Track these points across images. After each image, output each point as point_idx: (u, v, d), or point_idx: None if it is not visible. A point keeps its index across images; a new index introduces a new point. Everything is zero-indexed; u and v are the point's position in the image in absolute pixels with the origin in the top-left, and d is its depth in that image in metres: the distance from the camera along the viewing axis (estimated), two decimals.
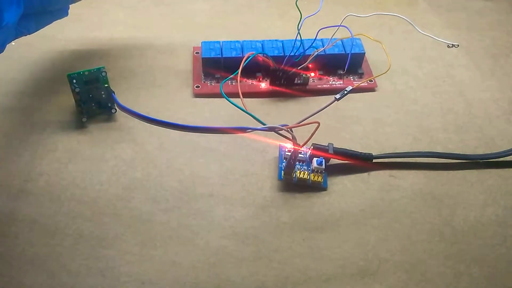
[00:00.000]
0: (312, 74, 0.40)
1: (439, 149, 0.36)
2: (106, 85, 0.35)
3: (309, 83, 0.40)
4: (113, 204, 0.31)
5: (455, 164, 0.35)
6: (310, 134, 0.30)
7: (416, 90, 0.40)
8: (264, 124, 0.29)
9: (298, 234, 0.30)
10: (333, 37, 0.37)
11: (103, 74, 0.34)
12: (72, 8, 0.47)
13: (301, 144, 0.31)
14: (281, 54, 0.39)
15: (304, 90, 0.40)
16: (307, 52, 0.37)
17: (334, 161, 0.34)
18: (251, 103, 0.38)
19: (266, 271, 0.29)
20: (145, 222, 0.30)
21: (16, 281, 0.27)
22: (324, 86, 0.40)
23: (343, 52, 0.40)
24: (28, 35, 0.33)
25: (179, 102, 0.38)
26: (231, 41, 0.40)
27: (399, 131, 0.37)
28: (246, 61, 0.34)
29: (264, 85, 0.39)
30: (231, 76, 0.35)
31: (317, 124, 0.29)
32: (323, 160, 0.33)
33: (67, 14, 0.36)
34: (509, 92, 0.41)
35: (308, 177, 0.32)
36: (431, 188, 0.33)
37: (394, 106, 0.39)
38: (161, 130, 0.31)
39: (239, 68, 0.33)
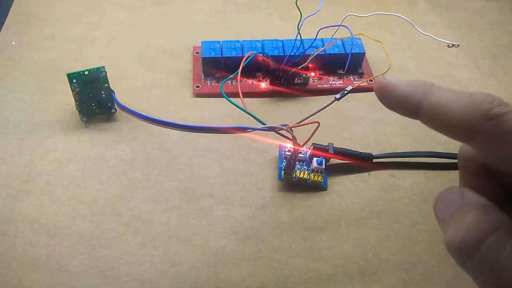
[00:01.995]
0: (312, 74, 0.40)
1: (439, 149, 0.36)
2: (106, 85, 0.35)
3: (309, 83, 0.40)
4: (113, 204, 0.31)
5: (455, 164, 0.34)
6: (310, 134, 0.30)
7: None
8: (264, 124, 0.29)
9: (298, 234, 0.30)
10: (333, 37, 0.37)
11: (103, 74, 0.34)
12: (72, 8, 0.47)
13: (301, 144, 0.31)
14: (281, 54, 0.39)
15: (304, 90, 0.40)
16: (307, 52, 0.37)
17: (334, 161, 0.34)
18: (251, 103, 0.38)
19: (266, 271, 0.29)
20: (145, 222, 0.30)
21: (16, 281, 0.27)
22: (324, 86, 0.40)
23: (343, 52, 0.40)
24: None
25: (179, 102, 0.38)
26: (231, 41, 0.40)
27: (399, 131, 0.37)
28: (246, 61, 0.34)
29: (264, 85, 0.39)
30: (231, 76, 0.35)
31: (317, 124, 0.29)
32: (323, 160, 0.33)
33: None
34: (509, 92, 0.41)
35: (308, 177, 0.32)
36: (431, 188, 0.33)
37: None
38: (161, 130, 0.32)
39: (239, 67, 0.33)
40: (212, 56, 0.39)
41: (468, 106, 0.15)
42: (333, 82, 0.40)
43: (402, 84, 0.17)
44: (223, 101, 0.32)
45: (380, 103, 0.17)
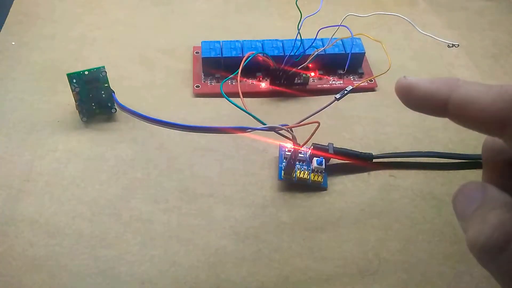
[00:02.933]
0: (312, 74, 0.40)
1: (439, 149, 0.36)
2: (106, 85, 0.35)
3: (309, 82, 0.40)
4: (113, 204, 0.31)
5: (455, 164, 0.35)
6: (310, 134, 0.30)
7: None
8: (264, 124, 0.29)
9: (298, 234, 0.30)
10: (333, 37, 0.37)
11: (103, 74, 0.34)
12: (72, 8, 0.47)
13: (301, 144, 0.31)
14: (281, 54, 0.39)
15: (304, 90, 0.40)
16: (307, 52, 0.37)
17: (334, 161, 0.34)
18: (251, 103, 0.38)
19: (266, 271, 0.29)
20: (145, 222, 0.30)
21: (16, 281, 0.27)
22: (324, 86, 0.40)
23: (343, 51, 0.40)
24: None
25: (179, 102, 0.38)
26: (231, 41, 0.40)
27: (399, 131, 0.37)
28: (246, 61, 0.34)
29: (264, 85, 0.39)
30: (231, 75, 0.35)
31: (317, 124, 0.29)
32: (323, 160, 0.33)
33: None
34: None
35: (308, 177, 0.32)
36: (431, 188, 0.33)
37: (394, 106, 0.39)
38: (161, 130, 0.31)
39: (239, 67, 0.33)
40: (212, 56, 0.39)
41: (499, 98, 0.15)
42: (333, 82, 0.40)
43: (426, 82, 0.16)
44: (223, 101, 0.32)
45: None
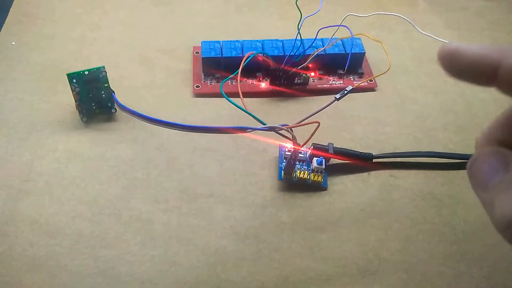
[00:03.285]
0: (312, 74, 0.40)
1: (439, 149, 0.36)
2: (106, 85, 0.35)
3: (309, 82, 0.40)
4: (113, 204, 0.31)
5: (455, 164, 0.35)
6: (310, 134, 0.30)
7: (416, 90, 0.40)
8: (264, 124, 0.29)
9: (298, 234, 0.30)
10: (333, 37, 0.37)
11: (103, 74, 0.34)
12: (72, 8, 0.47)
13: (301, 144, 0.31)
14: (281, 54, 0.39)
15: (304, 90, 0.40)
16: (307, 52, 0.37)
17: (334, 161, 0.34)
18: (251, 103, 0.38)
19: (266, 271, 0.29)
20: (145, 222, 0.30)
21: (16, 281, 0.27)
22: (324, 86, 0.40)
23: (343, 51, 0.40)
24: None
25: (179, 102, 0.38)
26: (231, 41, 0.40)
27: (399, 131, 0.37)
28: (246, 61, 0.34)
29: (264, 84, 0.39)
30: (231, 75, 0.35)
31: (317, 124, 0.29)
32: (323, 160, 0.33)
33: None
34: None
35: (308, 177, 0.32)
36: (431, 188, 0.33)
37: (394, 106, 0.39)
38: (161, 130, 0.32)
39: (239, 67, 0.33)
40: (212, 56, 0.39)
41: None
42: (333, 82, 0.40)
43: (474, 46, 0.15)
44: (223, 101, 0.32)
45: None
